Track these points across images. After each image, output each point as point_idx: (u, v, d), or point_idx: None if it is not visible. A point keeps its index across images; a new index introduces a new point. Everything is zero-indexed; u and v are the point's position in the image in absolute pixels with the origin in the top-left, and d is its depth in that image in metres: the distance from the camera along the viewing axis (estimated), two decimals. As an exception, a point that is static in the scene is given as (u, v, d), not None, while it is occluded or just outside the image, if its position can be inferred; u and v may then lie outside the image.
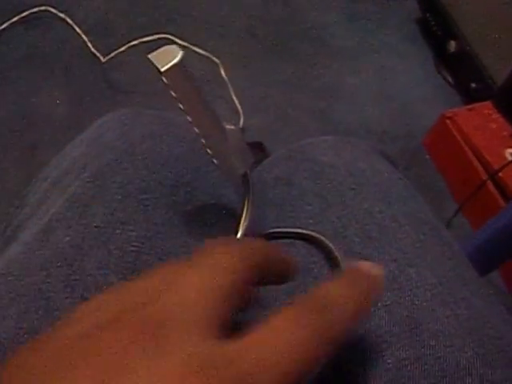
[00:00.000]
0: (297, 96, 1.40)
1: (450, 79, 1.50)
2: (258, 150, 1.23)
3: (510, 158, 1.19)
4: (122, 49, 1.38)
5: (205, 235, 0.38)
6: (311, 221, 0.40)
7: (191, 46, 1.39)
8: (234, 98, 1.32)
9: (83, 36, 1.45)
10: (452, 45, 1.43)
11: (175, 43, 1.39)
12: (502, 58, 1.29)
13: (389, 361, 0.30)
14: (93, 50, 1.42)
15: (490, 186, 1.16)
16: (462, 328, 0.31)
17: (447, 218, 1.11)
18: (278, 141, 1.27)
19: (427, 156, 1.34)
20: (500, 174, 1.14)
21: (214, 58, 1.38)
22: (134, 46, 1.37)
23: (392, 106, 1.43)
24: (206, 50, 1.39)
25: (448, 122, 1.26)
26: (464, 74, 1.44)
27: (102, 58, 1.41)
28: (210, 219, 0.40)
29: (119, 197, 0.36)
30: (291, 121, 1.34)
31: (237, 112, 1.31)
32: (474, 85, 1.38)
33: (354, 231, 0.37)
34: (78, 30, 1.46)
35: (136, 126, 0.43)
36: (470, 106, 1.30)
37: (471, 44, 1.39)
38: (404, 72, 1.53)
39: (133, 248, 0.34)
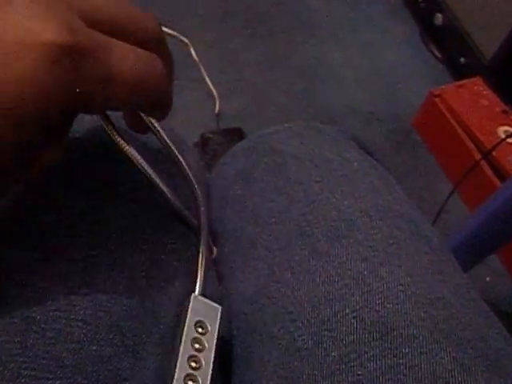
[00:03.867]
0: (275, 76, 1.38)
1: (438, 54, 1.48)
2: (237, 136, 1.20)
3: (502, 136, 1.18)
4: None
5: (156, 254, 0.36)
6: (273, 219, 0.38)
7: (159, 26, 1.35)
8: (208, 80, 1.29)
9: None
10: (438, 18, 1.41)
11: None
12: (491, 31, 1.28)
13: (359, 372, 0.29)
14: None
15: (484, 165, 1.16)
16: (439, 331, 0.30)
17: (441, 200, 1.11)
18: (257, 125, 1.25)
19: (418, 137, 1.33)
20: (493, 153, 1.14)
21: (184, 38, 1.35)
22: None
23: (378, 84, 1.41)
24: (174, 30, 1.35)
25: (437, 100, 1.25)
26: (452, 49, 1.42)
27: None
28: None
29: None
30: (270, 103, 1.32)
31: (211, 96, 1.28)
32: (463, 60, 1.37)
33: (320, 229, 0.36)
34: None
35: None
36: (459, 83, 1.29)
37: (458, 17, 1.38)
38: (389, 47, 1.51)
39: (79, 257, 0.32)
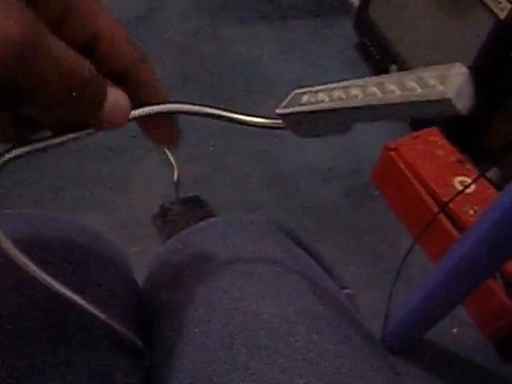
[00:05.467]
0: (234, 140, 1.40)
1: (395, 105, 1.52)
2: (196, 205, 1.23)
3: (458, 187, 1.21)
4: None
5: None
6: (197, 329, 0.39)
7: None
8: (166, 149, 1.32)
9: None
10: (393, 69, 1.46)
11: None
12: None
13: None
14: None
15: (443, 218, 1.18)
16: None
17: (403, 254, 1.12)
18: (217, 192, 1.28)
19: (376, 191, 1.35)
20: (450, 206, 1.16)
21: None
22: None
23: (336, 140, 1.44)
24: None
25: (392, 153, 1.28)
26: (408, 99, 1.46)
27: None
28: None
29: None
30: (229, 168, 1.34)
31: (170, 166, 1.31)
32: (418, 110, 1.40)
33: (241, 340, 0.36)
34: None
35: None
36: (414, 134, 1.32)
37: (413, 67, 1.42)
38: (346, 101, 1.54)
39: None
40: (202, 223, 0.51)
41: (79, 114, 0.27)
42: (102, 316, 0.33)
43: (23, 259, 0.28)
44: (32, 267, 0.28)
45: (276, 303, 0.39)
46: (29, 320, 0.36)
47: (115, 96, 0.28)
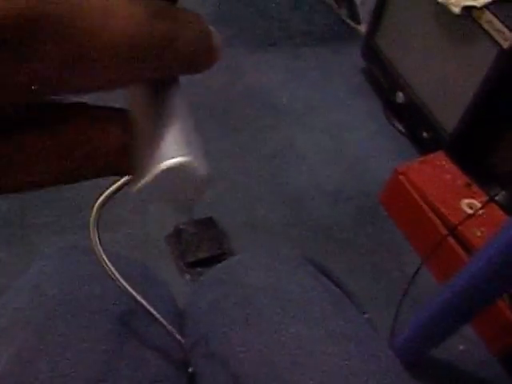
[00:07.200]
0: (245, 163, 1.45)
1: (402, 129, 1.57)
2: (209, 226, 1.27)
3: (466, 209, 1.24)
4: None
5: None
6: (241, 348, 0.43)
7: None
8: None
9: None
10: (400, 96, 1.50)
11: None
12: (451, 106, 1.36)
13: None
14: None
15: (451, 240, 1.21)
16: None
17: (410, 274, 1.15)
18: (229, 213, 1.31)
19: (385, 213, 1.39)
20: (459, 228, 1.19)
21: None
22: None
23: (345, 162, 1.48)
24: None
25: (401, 177, 1.32)
26: (415, 124, 1.51)
27: None
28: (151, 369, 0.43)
29: (60, 350, 0.40)
30: (241, 190, 1.38)
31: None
32: (425, 134, 1.45)
33: (281, 357, 0.41)
34: None
35: (73, 268, 0.47)
36: (422, 158, 1.36)
37: (419, 94, 1.47)
38: (354, 125, 1.59)
39: None
40: (240, 256, 0.57)
41: None
42: (160, 318, 0.40)
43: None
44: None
45: (311, 326, 0.44)
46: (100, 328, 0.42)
47: None
